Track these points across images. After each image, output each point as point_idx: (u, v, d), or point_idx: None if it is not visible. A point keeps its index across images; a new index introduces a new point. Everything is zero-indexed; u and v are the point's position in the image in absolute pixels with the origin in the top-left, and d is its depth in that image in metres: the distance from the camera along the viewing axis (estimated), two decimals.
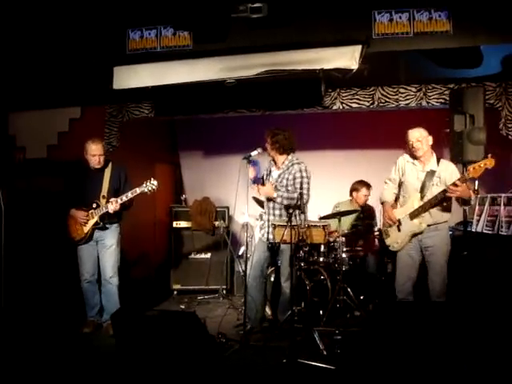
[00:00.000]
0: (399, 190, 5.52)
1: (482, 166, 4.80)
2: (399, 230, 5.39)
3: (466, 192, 4.97)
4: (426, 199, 5.20)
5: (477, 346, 4.52)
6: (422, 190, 5.25)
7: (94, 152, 5.92)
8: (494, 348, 4.65)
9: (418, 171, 5.33)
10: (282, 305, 5.88)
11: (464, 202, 5.15)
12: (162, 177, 8.73)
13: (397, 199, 5.56)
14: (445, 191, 5.02)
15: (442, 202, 5.16)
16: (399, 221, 5.37)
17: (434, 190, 5.18)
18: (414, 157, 5.37)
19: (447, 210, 5.26)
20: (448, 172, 5.22)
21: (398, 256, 5.42)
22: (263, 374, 4.66)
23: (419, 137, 5.25)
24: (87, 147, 5.94)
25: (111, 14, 6.08)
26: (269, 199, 5.84)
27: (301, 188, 5.66)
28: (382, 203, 5.65)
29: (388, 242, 5.52)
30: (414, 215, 5.26)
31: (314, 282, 6.26)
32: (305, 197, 5.70)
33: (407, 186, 5.40)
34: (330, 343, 5.20)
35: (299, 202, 5.42)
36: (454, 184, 4.90)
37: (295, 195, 5.57)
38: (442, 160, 5.36)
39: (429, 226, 5.20)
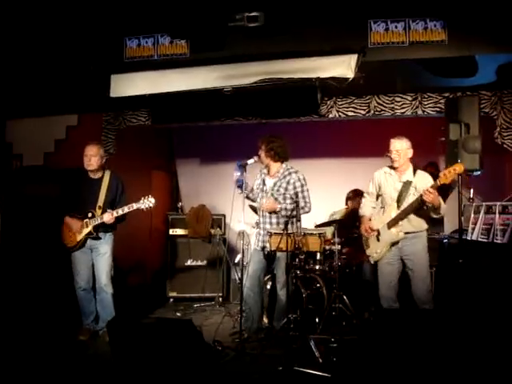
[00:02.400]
0: (381, 202, 5.58)
1: (451, 171, 4.95)
2: (378, 240, 5.46)
3: (436, 200, 5.05)
4: (402, 208, 5.27)
5: (472, 353, 4.53)
6: (399, 199, 5.33)
7: (86, 152, 5.96)
8: (489, 354, 4.67)
9: (395, 181, 5.42)
10: (278, 312, 5.88)
11: (434, 209, 5.20)
12: (159, 184, 8.77)
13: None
14: (419, 200, 5.12)
15: (418, 210, 5.24)
16: (378, 231, 5.43)
17: (410, 200, 5.26)
18: (391, 167, 5.46)
19: (425, 218, 5.34)
20: (424, 182, 5.28)
21: (379, 265, 5.49)
22: (259, 382, 4.67)
23: (399, 149, 5.34)
24: (84, 148, 5.99)
25: (109, 22, 6.10)
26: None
27: (303, 197, 5.73)
28: (361, 217, 5.71)
29: (368, 252, 5.61)
30: (391, 224, 5.33)
31: (309, 289, 6.27)
32: (308, 205, 5.80)
33: (385, 198, 5.49)
34: (325, 351, 5.21)
35: (295, 212, 5.45)
36: (427, 189, 4.98)
37: (301, 203, 5.66)
38: (418, 171, 5.44)
39: (407, 233, 5.27)
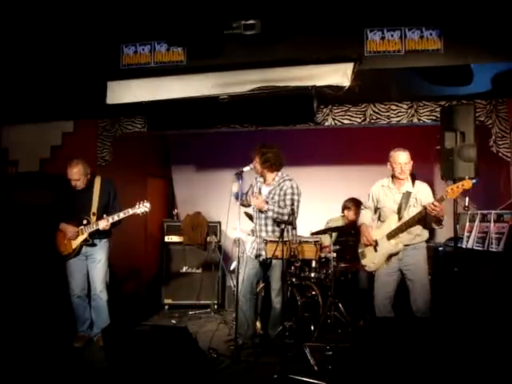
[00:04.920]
0: (379, 216, 5.59)
1: (459, 187, 4.96)
2: (376, 251, 5.46)
3: (441, 212, 5.08)
4: (403, 220, 5.29)
5: (467, 361, 4.53)
6: (399, 211, 5.33)
7: (72, 176, 5.92)
8: (484, 362, 4.66)
9: (394, 194, 5.42)
10: (273, 320, 5.88)
11: (437, 221, 5.22)
12: (154, 191, 8.77)
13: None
14: (422, 213, 5.13)
15: (419, 222, 5.25)
16: (376, 241, 5.43)
17: (411, 211, 5.28)
18: (392, 178, 5.46)
19: (424, 230, 5.37)
20: (424, 193, 5.33)
21: (377, 275, 5.49)
22: None
23: (407, 162, 5.34)
24: (67, 171, 5.92)
25: (105, 29, 6.09)
26: (261, 213, 5.87)
27: (292, 204, 5.70)
28: (360, 226, 5.71)
29: (364, 262, 5.60)
30: (390, 236, 5.33)
31: (305, 297, 6.27)
32: (287, 208, 5.74)
33: (385, 211, 5.48)
34: (321, 359, 5.22)
35: (291, 218, 5.44)
36: (433, 203, 5.00)
37: (285, 211, 5.65)
38: (416, 181, 5.46)
39: (407, 245, 5.28)
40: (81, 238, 5.93)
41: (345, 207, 7.45)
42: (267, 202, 5.80)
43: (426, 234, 5.38)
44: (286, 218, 5.61)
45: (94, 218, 5.93)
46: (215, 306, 7.98)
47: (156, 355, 4.22)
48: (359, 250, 5.68)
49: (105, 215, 5.89)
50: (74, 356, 5.63)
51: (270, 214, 5.76)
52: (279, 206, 5.77)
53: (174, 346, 4.29)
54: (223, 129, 7.43)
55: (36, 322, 6.41)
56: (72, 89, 6.57)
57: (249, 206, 6.14)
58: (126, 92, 6.24)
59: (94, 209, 5.97)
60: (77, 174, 5.91)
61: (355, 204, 7.34)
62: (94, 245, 5.98)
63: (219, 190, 8.12)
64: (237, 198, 5.77)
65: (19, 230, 6.93)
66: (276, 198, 5.83)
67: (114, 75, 6.21)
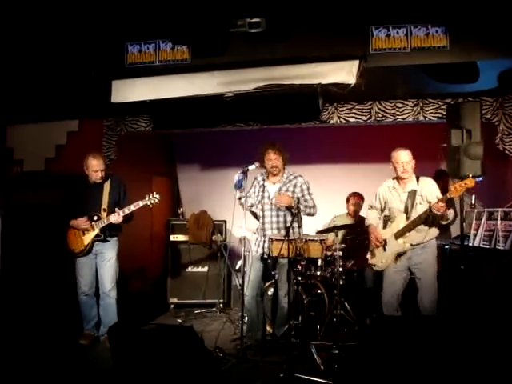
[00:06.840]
0: (388, 215, 5.58)
1: (462, 185, 4.95)
2: (384, 250, 5.46)
3: (446, 211, 5.08)
4: (411, 219, 5.27)
5: (473, 359, 4.51)
6: (407, 210, 5.33)
7: (96, 168, 5.94)
8: (490, 360, 4.64)
9: (400, 193, 5.42)
10: (280, 319, 5.86)
11: (442, 217, 5.21)
12: (160, 190, 8.64)
13: (385, 223, 5.63)
14: (427, 211, 5.13)
15: (426, 220, 5.23)
16: (385, 241, 5.42)
17: (418, 209, 5.28)
18: (396, 178, 5.45)
19: (433, 228, 5.35)
20: (428, 189, 5.32)
21: (386, 273, 5.49)
22: None
23: (409, 160, 5.33)
24: (88, 162, 5.94)
25: (110, 28, 6.09)
26: (269, 212, 5.87)
27: (311, 199, 5.85)
28: (368, 226, 5.71)
29: (373, 261, 5.62)
30: (398, 235, 5.33)
31: (311, 296, 6.25)
32: (315, 207, 5.89)
33: (393, 211, 5.48)
34: (327, 358, 5.19)
35: (296, 217, 5.43)
36: (437, 202, 5.00)
37: (310, 203, 5.77)
38: (421, 178, 5.44)
39: (416, 244, 5.26)
40: (92, 234, 5.93)
41: (346, 200, 7.47)
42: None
43: (434, 232, 5.36)
44: (315, 210, 5.86)
45: (104, 214, 5.94)
46: (221, 305, 7.97)
47: (162, 354, 4.21)
48: (369, 249, 5.68)
49: (116, 209, 5.90)
50: (79, 355, 5.62)
51: (302, 207, 5.69)
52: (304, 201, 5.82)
53: (179, 346, 4.27)
54: (228, 127, 7.43)
55: (42, 321, 6.41)
56: (77, 88, 6.58)
57: (249, 207, 6.11)
58: (130, 91, 6.23)
59: (105, 205, 5.99)
60: (101, 164, 5.98)
61: (351, 195, 7.41)
62: (105, 240, 5.99)
63: (224, 189, 8.07)
64: (236, 187, 5.76)
65: (25, 229, 6.93)
66: (289, 194, 5.81)
67: (119, 74, 6.21)
